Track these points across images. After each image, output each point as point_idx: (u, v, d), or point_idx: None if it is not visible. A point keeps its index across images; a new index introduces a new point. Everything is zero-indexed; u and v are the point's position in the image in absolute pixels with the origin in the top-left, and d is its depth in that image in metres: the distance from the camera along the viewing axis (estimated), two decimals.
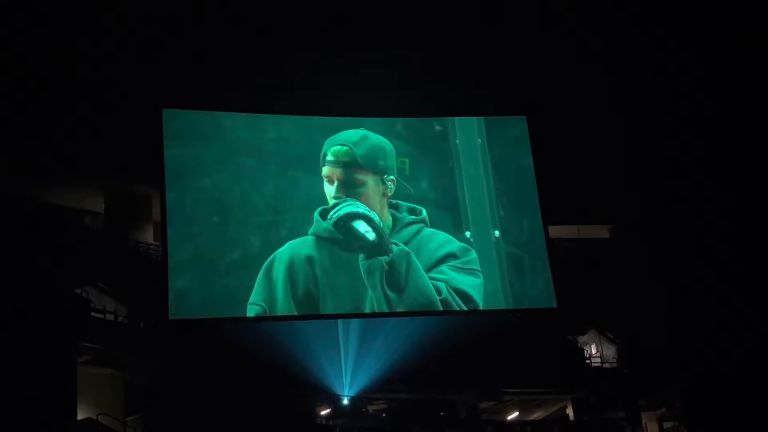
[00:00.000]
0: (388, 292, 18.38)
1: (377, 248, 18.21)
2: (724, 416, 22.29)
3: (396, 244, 18.33)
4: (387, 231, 18.50)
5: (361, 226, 18.02)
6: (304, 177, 19.18)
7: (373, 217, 18.16)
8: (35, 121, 21.66)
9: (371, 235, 18.04)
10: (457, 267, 18.83)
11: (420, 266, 18.43)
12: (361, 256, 18.27)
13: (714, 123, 23.60)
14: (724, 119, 23.54)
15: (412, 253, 18.36)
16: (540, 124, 21.86)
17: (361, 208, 18.18)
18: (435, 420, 23.40)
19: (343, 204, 18.26)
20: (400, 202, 18.81)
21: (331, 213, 18.20)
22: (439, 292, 18.53)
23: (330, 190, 18.37)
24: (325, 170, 18.44)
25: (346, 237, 18.25)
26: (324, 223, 18.30)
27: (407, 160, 19.85)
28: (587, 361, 25.98)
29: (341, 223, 18.13)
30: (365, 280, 18.35)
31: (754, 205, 23.37)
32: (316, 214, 18.39)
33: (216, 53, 21.30)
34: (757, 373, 22.21)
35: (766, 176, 23.35)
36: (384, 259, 18.18)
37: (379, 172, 18.42)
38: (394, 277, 18.28)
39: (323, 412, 22.07)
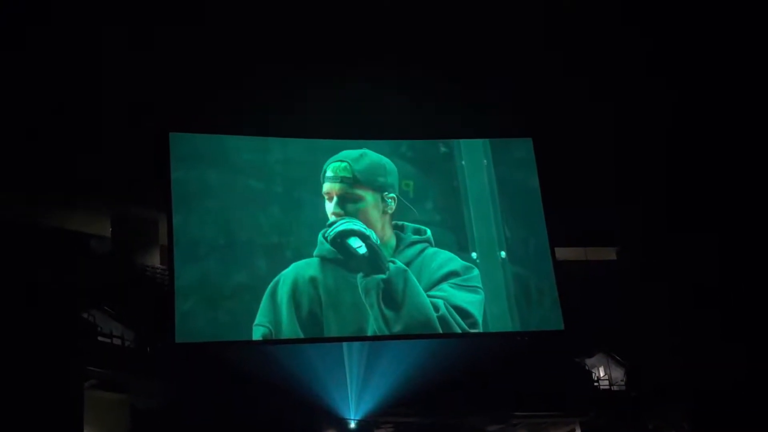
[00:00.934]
0: (385, 311, 18.44)
1: (374, 266, 18.35)
2: None
3: (393, 262, 18.42)
4: (390, 250, 18.63)
5: (354, 242, 18.18)
6: (309, 198, 19.19)
7: (369, 235, 18.33)
8: (42, 145, 21.75)
9: (362, 250, 18.21)
10: (458, 284, 18.92)
11: (417, 284, 18.51)
12: (359, 275, 18.37)
13: (721, 145, 23.68)
14: (731, 140, 23.61)
15: (410, 271, 18.44)
16: (546, 146, 21.86)
17: (357, 225, 18.36)
18: None
19: (340, 221, 18.43)
20: (406, 223, 18.91)
21: (328, 231, 18.36)
22: (436, 309, 18.57)
23: (329, 206, 18.56)
24: (325, 187, 18.70)
25: (344, 255, 18.39)
26: (327, 245, 18.41)
27: (411, 183, 19.89)
28: (595, 384, 25.89)
29: (338, 240, 18.30)
30: (363, 299, 18.42)
31: (763, 225, 23.36)
32: (320, 236, 18.49)
33: (222, 76, 21.53)
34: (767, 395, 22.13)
35: None
36: (380, 276, 18.29)
37: (379, 188, 18.62)
38: (391, 295, 18.39)
39: None
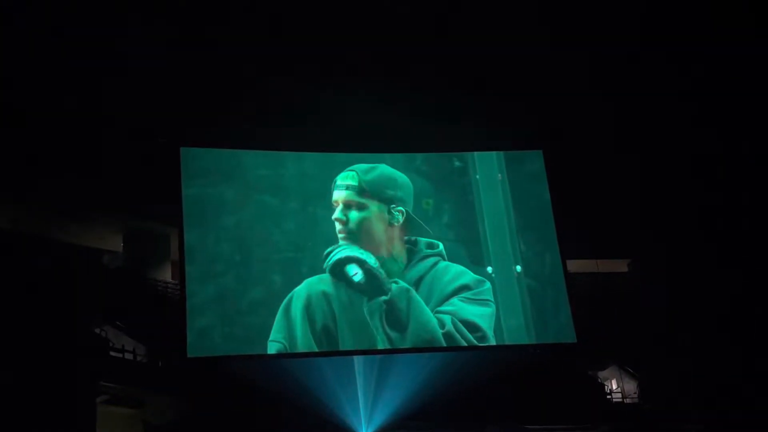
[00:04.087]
0: (390, 332, 18.36)
1: (375, 289, 18.29)
2: None
3: (396, 282, 18.33)
4: (402, 265, 18.53)
5: (351, 270, 18.18)
6: (323, 213, 19.00)
7: (366, 259, 18.23)
8: (54, 160, 21.80)
9: (358, 277, 18.15)
10: (468, 298, 18.77)
11: (422, 302, 18.40)
12: (364, 299, 18.33)
13: (732, 158, 23.65)
14: (740, 154, 23.57)
15: (413, 290, 18.35)
16: (557, 158, 21.79)
17: (354, 252, 18.28)
18: None
19: (337, 249, 18.38)
20: (419, 238, 18.76)
21: (326, 261, 18.35)
22: (442, 326, 18.45)
23: (334, 213, 18.51)
24: (333, 196, 18.65)
25: (345, 281, 18.34)
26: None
27: (431, 201, 19.84)
28: (608, 397, 25.80)
29: (337, 269, 18.29)
30: (369, 321, 18.36)
31: None
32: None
33: (234, 90, 21.54)
34: None
35: None
36: (382, 298, 18.21)
37: (386, 200, 18.43)
38: (395, 316, 18.32)
39: None
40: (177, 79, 21.14)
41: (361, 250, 18.42)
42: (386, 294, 18.20)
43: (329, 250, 18.51)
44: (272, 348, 18.19)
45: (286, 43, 21.08)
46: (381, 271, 18.42)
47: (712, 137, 23.50)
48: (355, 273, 18.22)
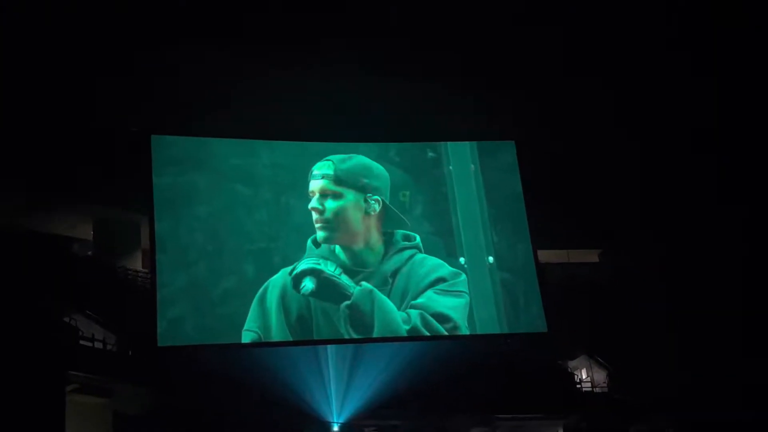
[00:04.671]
0: (355, 335, 18.42)
1: (337, 295, 18.19)
2: None
3: (359, 285, 18.20)
4: (378, 256, 18.40)
5: (306, 282, 18.10)
6: (297, 204, 18.92)
7: (323, 269, 18.14)
8: (23, 149, 21.55)
9: (306, 289, 18.06)
10: (443, 290, 18.68)
11: (387, 301, 18.31)
12: (330, 303, 18.32)
13: (701, 144, 23.88)
14: (710, 138, 23.80)
15: (376, 291, 18.22)
16: (529, 149, 21.88)
17: (310, 264, 18.18)
18: None
19: (299, 264, 18.30)
20: (396, 230, 18.59)
21: (290, 276, 18.32)
22: (407, 323, 18.39)
23: (311, 202, 18.32)
24: (310, 186, 18.43)
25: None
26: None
27: (408, 193, 19.74)
28: (578, 386, 26.02)
29: (298, 283, 18.18)
30: (336, 325, 18.41)
31: (746, 225, 23.56)
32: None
33: (208, 78, 21.39)
34: (751, 398, 22.31)
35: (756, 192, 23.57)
36: (345, 304, 18.12)
37: (362, 189, 18.24)
38: (359, 320, 18.27)
39: None
40: (149, 68, 20.99)
41: (320, 260, 18.32)
42: (348, 299, 18.11)
43: (292, 267, 18.43)
44: (246, 337, 18.08)
45: (258, 31, 20.98)
46: (341, 277, 18.29)
47: (686, 129, 23.72)
48: (304, 286, 18.11)
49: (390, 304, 18.44)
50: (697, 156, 23.90)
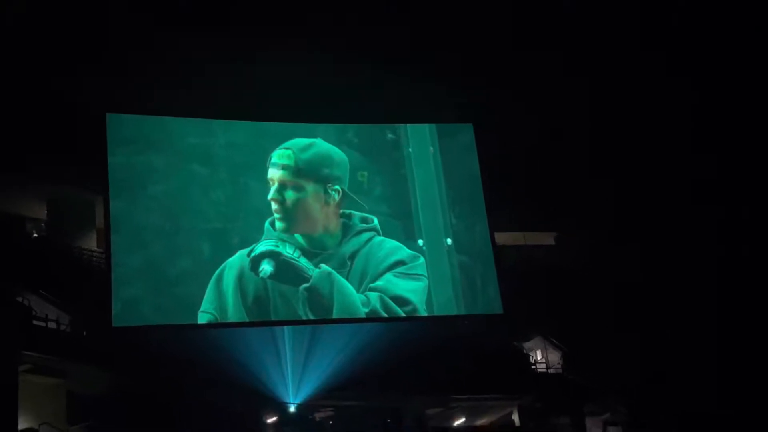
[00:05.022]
0: (312, 317, 18.61)
1: (296, 277, 18.32)
2: (669, 421, 22.72)
3: (318, 267, 18.33)
4: (337, 240, 18.54)
5: (264, 265, 18.15)
6: (255, 184, 18.96)
7: (281, 251, 18.22)
8: None
9: (265, 272, 18.14)
10: (402, 273, 18.95)
11: (346, 284, 18.47)
12: (289, 286, 18.42)
13: (659, 138, 24.13)
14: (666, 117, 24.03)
15: (335, 273, 18.37)
16: (487, 132, 21.99)
17: (269, 246, 18.25)
18: (382, 427, 23.38)
19: (258, 246, 18.33)
20: (353, 212, 18.76)
21: (248, 257, 18.28)
22: (366, 305, 18.60)
23: (270, 192, 18.32)
24: (269, 173, 18.43)
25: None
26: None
27: (366, 174, 19.81)
28: (533, 367, 26.27)
29: (256, 266, 18.21)
30: (294, 307, 18.50)
31: (700, 208, 23.87)
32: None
33: (164, 57, 21.06)
34: (701, 376, 22.68)
35: (705, 176, 23.89)
36: (303, 287, 18.27)
37: (322, 179, 18.37)
38: (317, 301, 18.44)
39: (270, 420, 21.93)
40: (105, 47, 20.68)
41: (279, 242, 18.36)
42: (307, 281, 18.21)
43: (250, 248, 18.41)
44: (203, 318, 18.08)
45: (215, 11, 20.74)
46: (300, 260, 18.40)
47: (643, 117, 23.92)
48: (262, 269, 18.16)
49: (349, 287, 18.58)
50: (653, 140, 24.16)
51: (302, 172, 18.26)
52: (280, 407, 21.61)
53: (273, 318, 18.70)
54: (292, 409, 21.63)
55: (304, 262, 18.22)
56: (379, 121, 21.03)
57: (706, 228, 23.79)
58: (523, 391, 24.65)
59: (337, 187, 18.36)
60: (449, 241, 20.22)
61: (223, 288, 18.07)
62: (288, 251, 18.18)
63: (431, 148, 20.88)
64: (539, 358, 26.57)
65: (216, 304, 18.04)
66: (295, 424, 21.77)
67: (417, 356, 22.15)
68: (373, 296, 18.54)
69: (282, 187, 18.14)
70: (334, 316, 18.53)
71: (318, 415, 23.26)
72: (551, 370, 26.12)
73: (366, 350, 21.15)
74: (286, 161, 18.26)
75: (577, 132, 24.68)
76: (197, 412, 20.18)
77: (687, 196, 24.04)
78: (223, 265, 18.22)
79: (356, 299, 18.46)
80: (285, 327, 20.29)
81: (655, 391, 23.37)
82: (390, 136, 20.92)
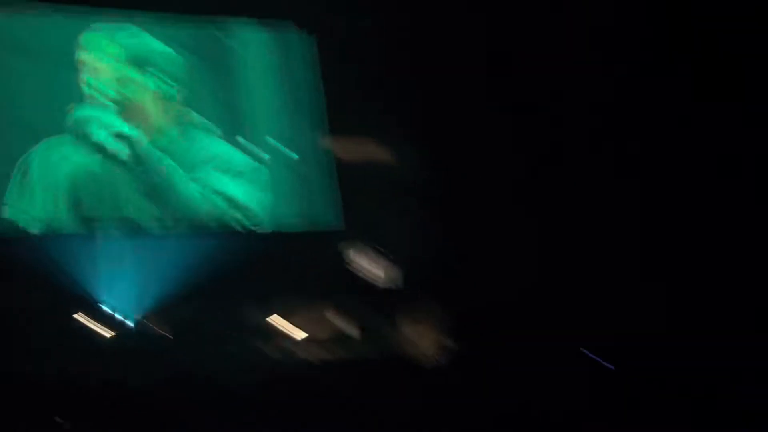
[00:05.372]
0: (145, 205, 16.82)
1: (127, 156, 16.61)
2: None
3: (152, 151, 16.83)
4: (171, 140, 17.37)
5: (94, 130, 16.51)
6: (63, 73, 17.08)
7: (112, 122, 16.63)
8: None
9: (99, 138, 16.44)
10: (232, 172, 18.13)
11: (182, 174, 17.16)
12: (114, 167, 16.66)
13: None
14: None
15: (168, 158, 17.00)
16: (327, 39, 21.47)
17: (97, 111, 16.70)
18: (222, 336, 23.19)
19: (80, 106, 16.67)
20: (191, 113, 17.72)
21: (67, 119, 16.53)
22: (211, 206, 17.51)
23: (86, 78, 16.74)
24: (87, 61, 16.81)
25: (91, 145, 16.57)
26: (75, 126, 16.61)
27: (197, 77, 18.25)
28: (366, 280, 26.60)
29: (77, 129, 16.50)
30: (121, 194, 16.83)
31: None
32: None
33: None
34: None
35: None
36: (139, 170, 16.75)
37: (149, 71, 17.13)
38: (153, 189, 16.90)
39: (107, 335, 21.32)
40: None
41: (109, 111, 16.73)
42: (141, 165, 16.75)
43: (71, 106, 16.70)
44: (4, 212, 16.23)
45: None
46: (133, 132, 16.88)
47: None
48: (98, 134, 16.51)
49: (184, 178, 17.31)
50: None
51: (127, 60, 16.99)
52: (117, 322, 20.97)
53: (92, 213, 16.94)
54: (130, 323, 21.06)
55: (136, 137, 16.75)
56: (203, 12, 19.47)
57: None
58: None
59: (169, 81, 17.38)
60: (288, 152, 19.49)
61: (29, 180, 16.56)
62: (118, 123, 16.48)
63: (263, 50, 19.92)
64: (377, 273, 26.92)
65: (21, 196, 16.43)
66: (134, 339, 21.26)
67: (250, 266, 21.97)
68: (214, 198, 17.53)
69: (103, 76, 16.83)
70: (168, 207, 16.99)
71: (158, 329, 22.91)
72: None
73: (203, 261, 20.42)
74: (112, 49, 16.94)
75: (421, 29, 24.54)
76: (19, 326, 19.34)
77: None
78: (26, 155, 16.59)
79: (192, 190, 17.26)
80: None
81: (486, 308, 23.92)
82: (223, 38, 19.51)
